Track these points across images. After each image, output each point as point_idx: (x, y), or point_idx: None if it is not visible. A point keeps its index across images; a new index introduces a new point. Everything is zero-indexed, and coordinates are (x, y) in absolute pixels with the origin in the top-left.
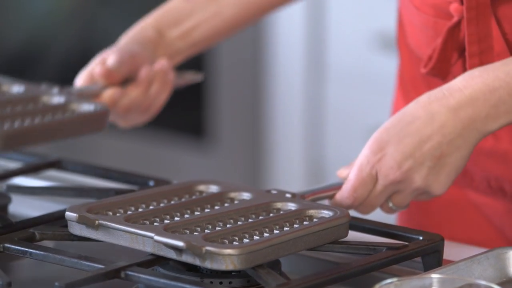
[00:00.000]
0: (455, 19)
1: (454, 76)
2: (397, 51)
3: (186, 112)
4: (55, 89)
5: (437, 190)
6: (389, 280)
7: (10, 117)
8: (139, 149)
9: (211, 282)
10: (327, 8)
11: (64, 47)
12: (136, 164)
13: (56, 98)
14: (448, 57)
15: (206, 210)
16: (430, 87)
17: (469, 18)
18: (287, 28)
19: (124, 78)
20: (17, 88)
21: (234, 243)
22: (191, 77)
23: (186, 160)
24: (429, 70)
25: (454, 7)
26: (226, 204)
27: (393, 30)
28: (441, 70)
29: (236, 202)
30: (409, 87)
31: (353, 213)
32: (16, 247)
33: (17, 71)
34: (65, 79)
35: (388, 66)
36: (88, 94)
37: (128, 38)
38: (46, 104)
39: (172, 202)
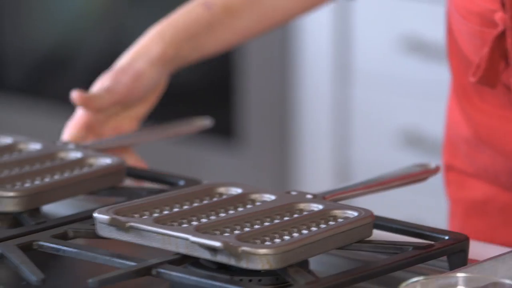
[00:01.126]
0: (500, 28)
1: (504, 84)
2: (447, 59)
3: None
4: (71, 145)
5: None
6: (415, 279)
7: (29, 175)
8: (171, 150)
9: (241, 280)
10: (354, 11)
11: (94, 49)
12: (168, 164)
13: (72, 153)
14: (495, 66)
15: (230, 212)
16: (481, 95)
17: None
18: (315, 30)
19: (118, 102)
20: (33, 146)
21: (266, 243)
22: (200, 124)
23: (216, 160)
24: (478, 79)
25: (498, 16)
26: (248, 206)
27: (418, 33)
28: (490, 78)
29: (258, 203)
30: (461, 95)
31: (378, 213)
32: (50, 244)
33: (49, 73)
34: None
35: (414, 68)
36: (103, 148)
37: (134, 53)
38: (63, 160)
39: (195, 204)
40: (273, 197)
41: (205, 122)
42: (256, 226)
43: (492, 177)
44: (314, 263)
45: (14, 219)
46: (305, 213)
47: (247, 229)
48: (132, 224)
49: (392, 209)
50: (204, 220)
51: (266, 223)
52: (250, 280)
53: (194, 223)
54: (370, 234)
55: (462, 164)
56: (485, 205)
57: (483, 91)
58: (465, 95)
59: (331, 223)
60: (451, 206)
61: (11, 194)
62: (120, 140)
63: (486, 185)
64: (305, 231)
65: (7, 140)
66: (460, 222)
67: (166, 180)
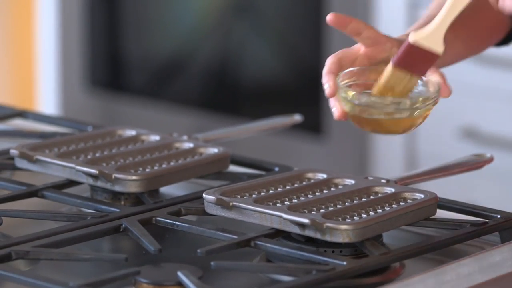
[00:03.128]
0: None
1: None
2: None
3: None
4: (185, 137)
5: None
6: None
7: (150, 162)
8: (268, 142)
9: (325, 251)
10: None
11: (205, 56)
12: (265, 154)
13: (186, 144)
14: None
15: (317, 194)
16: None
17: None
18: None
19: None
20: (153, 137)
21: (347, 220)
22: (292, 120)
23: (305, 150)
24: None
25: None
26: (332, 189)
27: None
28: None
29: (340, 187)
30: None
31: (441, 195)
32: (166, 220)
33: (167, 77)
34: (207, 86)
35: (473, 73)
36: (210, 139)
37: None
38: (178, 150)
39: (287, 187)
40: (352, 182)
41: (296, 118)
42: (338, 206)
43: None
44: (387, 237)
45: (136, 199)
46: (379, 195)
47: (330, 208)
48: (235, 203)
49: (453, 192)
50: (294, 200)
51: (347, 203)
52: (333, 251)
53: (286, 203)
54: (434, 213)
55: None
56: None
57: None
58: None
59: (401, 203)
60: None
61: (134, 177)
62: (225, 133)
63: None
64: (379, 210)
65: (131, 132)
66: None
67: (264, 167)
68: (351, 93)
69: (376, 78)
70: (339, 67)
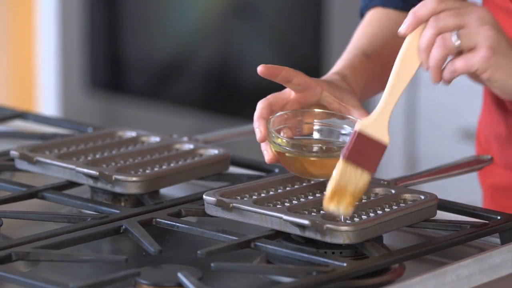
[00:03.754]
0: None
1: None
2: None
3: None
4: (185, 138)
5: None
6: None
7: (150, 163)
8: None
9: (325, 252)
10: None
11: (205, 58)
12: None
13: (186, 145)
14: None
15: (317, 195)
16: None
17: None
18: None
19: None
20: (153, 139)
21: (347, 221)
22: None
23: None
24: None
25: None
26: None
27: None
28: None
29: None
30: (494, 100)
31: (441, 196)
32: (166, 221)
33: (167, 78)
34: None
35: None
36: (210, 140)
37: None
38: (178, 151)
39: (288, 189)
40: None
41: None
42: None
43: None
44: (387, 239)
45: (136, 200)
46: (380, 196)
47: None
48: (235, 204)
49: (453, 194)
50: (294, 201)
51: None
52: (333, 253)
53: (286, 204)
54: (435, 214)
55: (494, 157)
56: (510, 190)
57: None
58: (498, 100)
59: (401, 204)
60: (482, 191)
61: (134, 178)
62: (225, 134)
63: None
64: (379, 212)
65: (132, 133)
66: (488, 203)
67: (264, 168)
68: (280, 138)
69: (307, 121)
70: (269, 112)
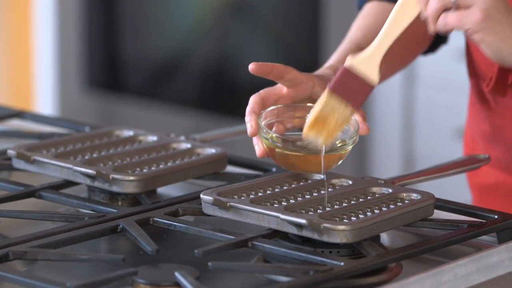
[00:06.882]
0: None
1: None
2: (467, 72)
3: None
4: (182, 137)
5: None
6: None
7: (147, 162)
8: None
9: (322, 252)
10: None
11: (202, 57)
12: None
13: (183, 144)
14: (505, 79)
15: (314, 194)
16: (495, 100)
17: None
18: None
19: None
20: (151, 138)
21: (344, 220)
22: None
23: None
24: (490, 89)
25: None
26: (329, 189)
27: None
28: (500, 89)
29: (337, 187)
30: (479, 99)
31: (438, 195)
32: (163, 220)
33: (164, 78)
34: (205, 86)
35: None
36: (207, 139)
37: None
38: (175, 150)
39: (285, 188)
40: (350, 182)
41: None
42: (336, 206)
43: (503, 166)
44: (384, 238)
45: (133, 199)
46: (377, 195)
47: (328, 208)
48: (232, 204)
49: (450, 193)
50: (292, 201)
51: (344, 204)
52: (330, 252)
53: (284, 203)
54: (432, 213)
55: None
56: (496, 188)
57: (496, 97)
58: (483, 99)
59: (398, 204)
60: (471, 190)
61: (131, 178)
62: (223, 133)
63: (498, 172)
64: (377, 211)
65: (129, 133)
66: (476, 202)
67: (261, 167)
68: (270, 134)
69: (299, 115)
70: (261, 107)
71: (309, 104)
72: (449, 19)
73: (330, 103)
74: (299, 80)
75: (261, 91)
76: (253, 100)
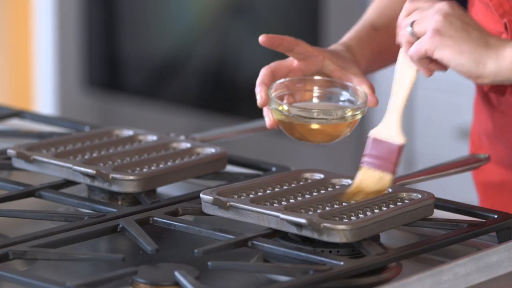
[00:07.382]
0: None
1: None
2: None
3: None
4: (182, 137)
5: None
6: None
7: (147, 162)
8: (265, 142)
9: (322, 251)
10: None
11: (202, 56)
12: (262, 154)
13: (183, 144)
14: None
15: (314, 194)
16: (498, 99)
17: None
18: None
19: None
20: (150, 138)
21: (344, 220)
22: None
23: (303, 151)
24: (489, 88)
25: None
26: (329, 189)
27: None
28: (499, 88)
29: (337, 187)
30: (483, 99)
31: (439, 195)
32: (163, 220)
33: (163, 77)
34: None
35: None
36: (207, 139)
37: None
38: (175, 150)
39: (284, 187)
40: (349, 182)
41: None
42: (335, 206)
43: (507, 164)
44: (384, 237)
45: (133, 199)
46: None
47: (327, 208)
48: (232, 203)
49: (450, 192)
50: (291, 200)
51: (344, 204)
52: (330, 251)
53: (283, 203)
54: (432, 213)
55: (485, 153)
56: (501, 186)
57: (498, 95)
58: (486, 98)
59: (398, 203)
60: (476, 188)
61: (131, 177)
62: (222, 133)
63: (503, 170)
64: (376, 210)
65: (129, 132)
66: (481, 200)
67: (261, 167)
68: (281, 105)
69: (309, 88)
70: (272, 79)
71: (318, 77)
72: (410, 51)
73: (366, 177)
74: (310, 54)
75: (272, 64)
76: (263, 72)
